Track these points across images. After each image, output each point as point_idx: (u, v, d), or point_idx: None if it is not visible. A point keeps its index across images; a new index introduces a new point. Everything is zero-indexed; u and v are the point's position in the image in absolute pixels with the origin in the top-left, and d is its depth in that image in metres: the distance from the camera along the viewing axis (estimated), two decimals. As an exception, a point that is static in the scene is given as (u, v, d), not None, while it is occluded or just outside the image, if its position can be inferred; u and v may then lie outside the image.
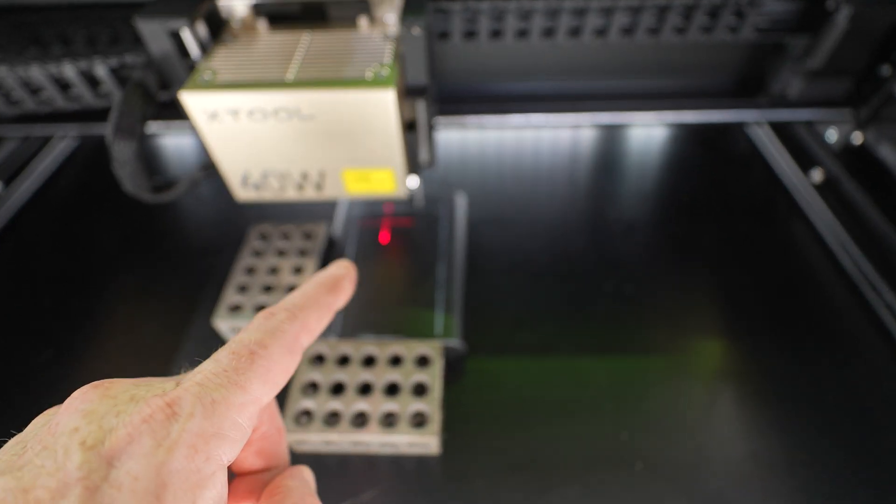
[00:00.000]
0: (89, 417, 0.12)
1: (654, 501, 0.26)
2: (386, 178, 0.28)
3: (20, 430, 0.13)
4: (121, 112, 0.26)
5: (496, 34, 0.37)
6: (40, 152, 0.47)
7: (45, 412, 0.13)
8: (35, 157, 0.46)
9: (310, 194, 0.29)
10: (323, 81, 0.24)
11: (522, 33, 0.37)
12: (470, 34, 0.37)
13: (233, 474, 0.16)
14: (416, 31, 0.25)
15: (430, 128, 0.29)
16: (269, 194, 0.29)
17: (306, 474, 0.16)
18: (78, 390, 0.13)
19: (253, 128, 0.25)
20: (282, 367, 0.15)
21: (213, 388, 0.13)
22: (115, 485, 0.11)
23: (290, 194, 0.29)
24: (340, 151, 0.27)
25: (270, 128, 0.25)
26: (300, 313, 0.16)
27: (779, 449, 0.27)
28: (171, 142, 0.50)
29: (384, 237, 0.36)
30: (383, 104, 0.24)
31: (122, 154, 0.26)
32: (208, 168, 0.29)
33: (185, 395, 0.13)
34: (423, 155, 0.29)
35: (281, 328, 0.15)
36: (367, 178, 0.28)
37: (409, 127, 0.28)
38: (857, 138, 0.43)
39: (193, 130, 0.27)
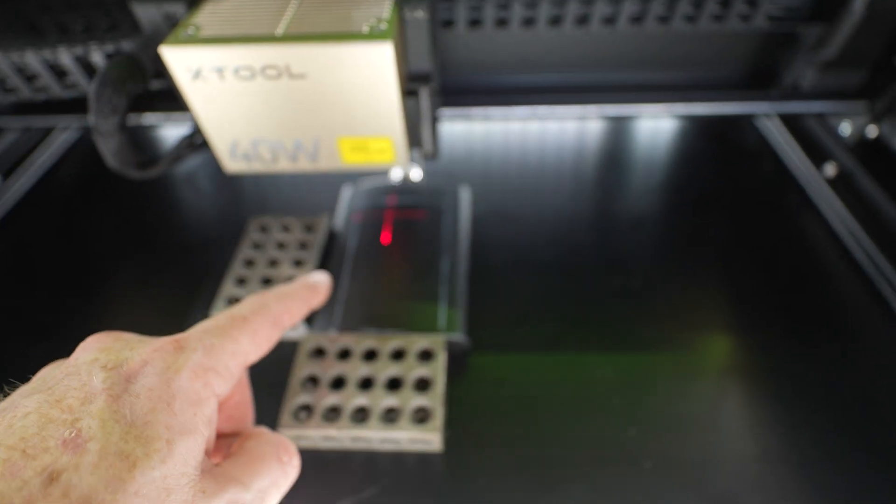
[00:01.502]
0: (106, 351, 0.15)
1: (662, 500, 0.24)
2: (384, 148, 0.26)
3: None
4: (104, 80, 0.24)
5: (502, 23, 0.36)
6: (41, 144, 0.46)
7: (50, 364, 0.16)
8: (35, 150, 0.46)
9: (304, 165, 0.27)
10: (315, 35, 0.22)
11: (529, 22, 0.36)
12: (475, 23, 0.36)
13: None
14: (419, 13, 0.24)
15: (434, 119, 0.28)
16: (261, 165, 0.27)
17: (268, 437, 0.18)
18: (90, 336, 0.16)
19: (240, 88, 0.24)
20: (266, 333, 0.18)
21: (213, 335, 0.17)
22: (133, 394, 0.14)
23: (283, 165, 0.27)
24: (335, 116, 0.25)
25: (259, 88, 0.24)
26: (285, 298, 0.20)
27: (791, 447, 0.26)
28: (171, 133, 0.49)
29: (385, 238, 0.34)
30: (381, 59, 0.22)
31: (104, 126, 0.25)
32: (193, 137, 0.28)
33: (191, 335, 0.16)
34: (427, 146, 0.28)
35: (269, 305, 0.19)
36: (364, 146, 0.26)
37: (409, 94, 0.26)
38: (872, 131, 0.42)
39: (191, 118, 0.27)
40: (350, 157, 0.27)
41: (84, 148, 0.47)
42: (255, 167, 0.28)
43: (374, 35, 0.22)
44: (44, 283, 0.36)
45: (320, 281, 0.24)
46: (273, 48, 0.22)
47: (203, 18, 0.24)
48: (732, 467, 0.26)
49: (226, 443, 0.18)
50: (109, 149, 0.26)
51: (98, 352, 0.14)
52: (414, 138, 0.28)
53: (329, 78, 0.23)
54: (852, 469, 0.25)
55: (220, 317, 0.18)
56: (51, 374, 0.14)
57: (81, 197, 0.43)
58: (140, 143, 0.49)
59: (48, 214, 0.42)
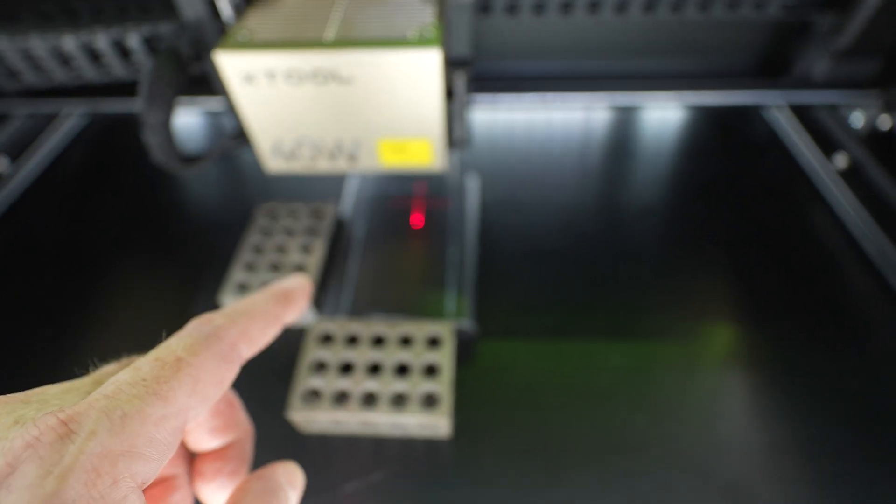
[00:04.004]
0: None
1: (669, 488, 0.25)
2: (423, 150, 0.27)
3: None
4: (153, 77, 0.25)
5: (511, 10, 0.35)
6: (48, 128, 0.46)
7: None
8: (43, 134, 0.46)
9: (343, 165, 0.28)
10: (364, 41, 0.23)
11: (538, 9, 0.35)
12: (484, 9, 0.35)
13: (193, 454, 0.16)
14: None
15: (468, 105, 0.28)
16: (300, 165, 0.28)
17: (279, 475, 0.15)
18: None
19: (289, 91, 0.24)
20: (214, 377, 0.13)
21: (126, 401, 0.11)
22: None
23: (323, 165, 0.28)
24: (378, 118, 0.26)
25: (307, 91, 0.24)
26: (241, 319, 0.15)
27: (798, 438, 0.26)
28: (194, 120, 0.49)
29: (417, 219, 0.35)
30: (428, 65, 0.23)
31: (154, 120, 0.26)
32: (239, 137, 0.29)
33: (87, 409, 0.11)
34: (459, 132, 0.28)
35: (216, 334, 0.14)
36: (403, 148, 0.27)
37: (448, 95, 0.27)
38: (885, 122, 0.41)
39: (222, 105, 0.26)
40: (389, 158, 0.28)
41: (92, 133, 0.47)
42: (295, 167, 0.28)
43: (422, 41, 0.23)
44: (50, 267, 0.36)
45: (295, 287, 0.18)
46: (324, 54, 0.23)
47: (253, 23, 0.25)
48: (739, 457, 0.26)
49: (224, 457, 0.15)
50: (157, 143, 0.26)
51: None
52: (451, 139, 0.29)
53: (376, 82, 0.24)
54: (860, 461, 0.26)
55: (141, 363, 0.12)
56: None
57: (88, 182, 0.43)
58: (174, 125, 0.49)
59: (55, 199, 0.41)
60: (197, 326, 0.14)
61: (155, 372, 0.12)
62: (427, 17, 0.24)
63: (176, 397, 0.12)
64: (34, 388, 0.12)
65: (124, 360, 0.14)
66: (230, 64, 0.23)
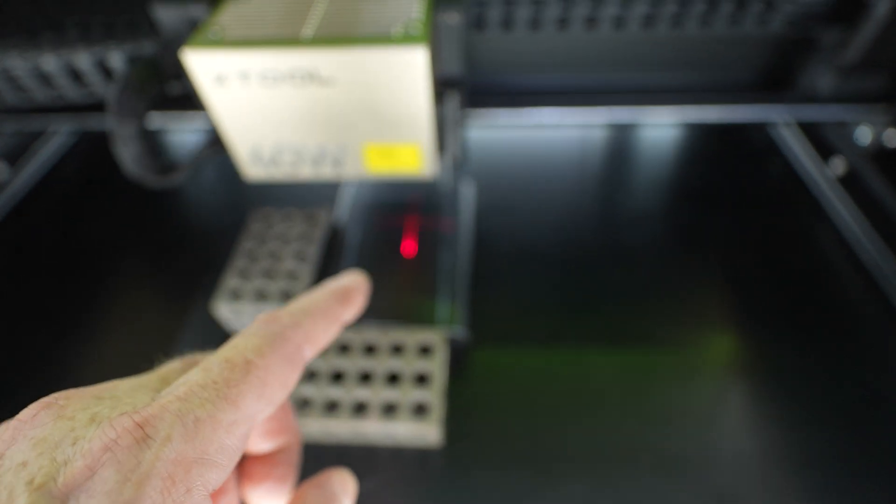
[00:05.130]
0: (40, 447, 0.10)
1: (661, 496, 0.24)
2: (412, 155, 0.25)
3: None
4: (124, 88, 0.24)
5: (507, 25, 0.36)
6: (40, 140, 0.47)
7: None
8: (36, 144, 0.46)
9: (327, 172, 0.26)
10: (345, 38, 0.21)
11: (534, 24, 0.36)
12: (478, 25, 0.36)
13: (242, 456, 0.15)
14: (454, 18, 0.23)
15: (461, 124, 0.27)
16: (282, 172, 0.26)
17: (335, 483, 0.15)
18: (26, 410, 0.11)
19: (265, 94, 0.23)
20: (280, 380, 0.13)
21: (199, 404, 0.11)
22: None
23: (306, 172, 0.26)
24: (363, 121, 0.24)
25: (284, 93, 0.23)
26: (305, 321, 0.14)
27: (792, 446, 0.26)
28: (179, 139, 0.49)
29: (409, 247, 0.33)
30: (414, 64, 0.21)
31: (124, 132, 0.24)
32: (215, 145, 0.27)
33: (161, 412, 0.11)
34: (454, 151, 0.27)
35: (283, 335, 0.13)
36: (390, 154, 0.25)
37: (438, 97, 0.25)
38: (893, 138, 0.41)
39: (208, 123, 0.27)
40: (376, 164, 0.26)
41: (85, 145, 0.48)
42: (276, 174, 0.27)
43: (407, 38, 0.21)
44: (47, 273, 0.37)
45: (353, 285, 0.17)
46: (301, 53, 0.21)
47: (227, 17, 0.23)
48: (733, 465, 0.26)
49: (275, 462, 0.15)
50: (129, 154, 0.25)
51: (31, 448, 0.10)
52: (442, 145, 0.27)
53: (358, 83, 0.22)
54: (855, 468, 0.25)
55: (211, 364, 0.12)
56: None
57: (82, 192, 0.43)
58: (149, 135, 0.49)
59: (50, 207, 0.42)
60: (263, 326, 0.13)
61: (225, 374, 0.12)
62: (413, 11, 0.22)
63: (245, 402, 0.12)
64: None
65: (187, 357, 0.14)
66: (200, 63, 0.22)
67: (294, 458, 0.16)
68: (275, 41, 0.21)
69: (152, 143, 0.26)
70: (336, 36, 0.22)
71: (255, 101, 0.23)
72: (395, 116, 0.24)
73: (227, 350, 0.13)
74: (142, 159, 0.25)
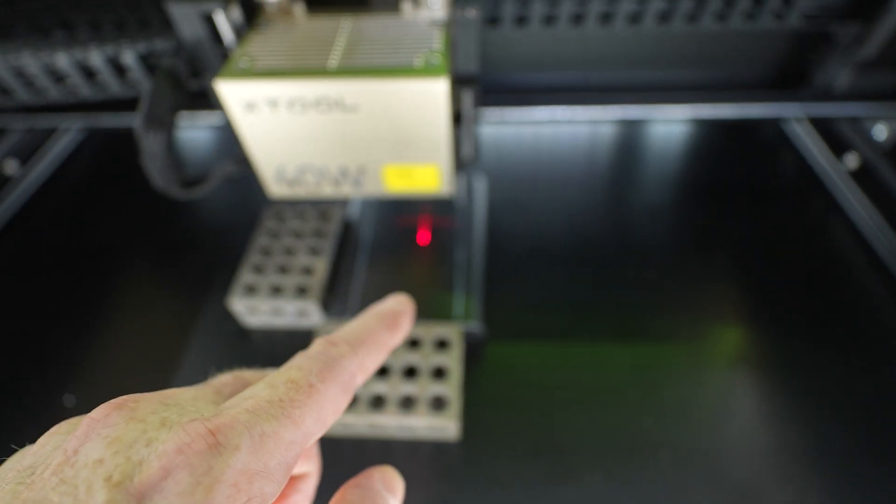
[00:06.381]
0: (115, 447, 0.10)
1: (679, 489, 0.25)
2: (430, 175, 0.26)
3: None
4: (151, 101, 0.24)
5: (521, 21, 0.35)
6: (51, 137, 0.47)
7: (54, 429, 0.12)
8: (47, 142, 0.46)
9: (347, 190, 0.28)
10: (369, 70, 0.22)
11: (549, 20, 0.35)
12: (493, 21, 0.36)
13: None
14: (472, 13, 0.24)
15: (476, 121, 0.28)
16: (304, 190, 0.28)
17: (376, 481, 0.15)
18: (98, 410, 0.11)
19: (291, 120, 0.24)
20: (335, 405, 0.13)
21: (265, 419, 0.11)
22: None
23: (327, 190, 0.28)
24: (383, 145, 0.25)
25: (310, 120, 0.24)
26: (360, 349, 0.15)
27: (808, 440, 0.26)
28: (193, 135, 0.48)
29: (424, 237, 0.34)
30: (435, 95, 0.22)
31: (152, 147, 0.25)
32: (242, 162, 0.28)
33: (232, 422, 0.11)
34: (468, 149, 0.28)
35: (341, 363, 0.14)
36: (409, 174, 0.26)
37: (455, 119, 0.26)
38: (909, 135, 0.40)
39: (221, 120, 0.27)
40: (395, 184, 0.27)
41: (96, 141, 0.47)
42: (299, 192, 0.28)
43: (428, 70, 0.22)
44: (60, 270, 0.37)
45: (401, 309, 0.17)
46: (328, 83, 0.22)
47: (255, 48, 0.24)
48: (748, 458, 0.26)
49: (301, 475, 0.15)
50: (156, 167, 0.26)
51: (105, 446, 0.10)
52: (458, 162, 0.28)
53: (381, 110, 0.23)
54: (872, 463, 0.25)
55: (277, 381, 0.13)
56: (42, 464, 0.10)
57: (95, 188, 0.43)
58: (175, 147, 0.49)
59: (64, 204, 0.42)
60: (324, 351, 0.14)
61: (290, 395, 0.12)
62: (434, 42, 0.23)
63: (306, 423, 0.12)
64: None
65: (236, 372, 0.15)
66: (231, 93, 0.23)
67: (311, 486, 0.16)
68: (302, 71, 0.22)
69: (177, 157, 0.27)
70: (361, 67, 0.22)
71: (283, 127, 0.24)
72: (415, 140, 0.25)
73: (291, 371, 0.13)
74: (168, 173, 0.26)
